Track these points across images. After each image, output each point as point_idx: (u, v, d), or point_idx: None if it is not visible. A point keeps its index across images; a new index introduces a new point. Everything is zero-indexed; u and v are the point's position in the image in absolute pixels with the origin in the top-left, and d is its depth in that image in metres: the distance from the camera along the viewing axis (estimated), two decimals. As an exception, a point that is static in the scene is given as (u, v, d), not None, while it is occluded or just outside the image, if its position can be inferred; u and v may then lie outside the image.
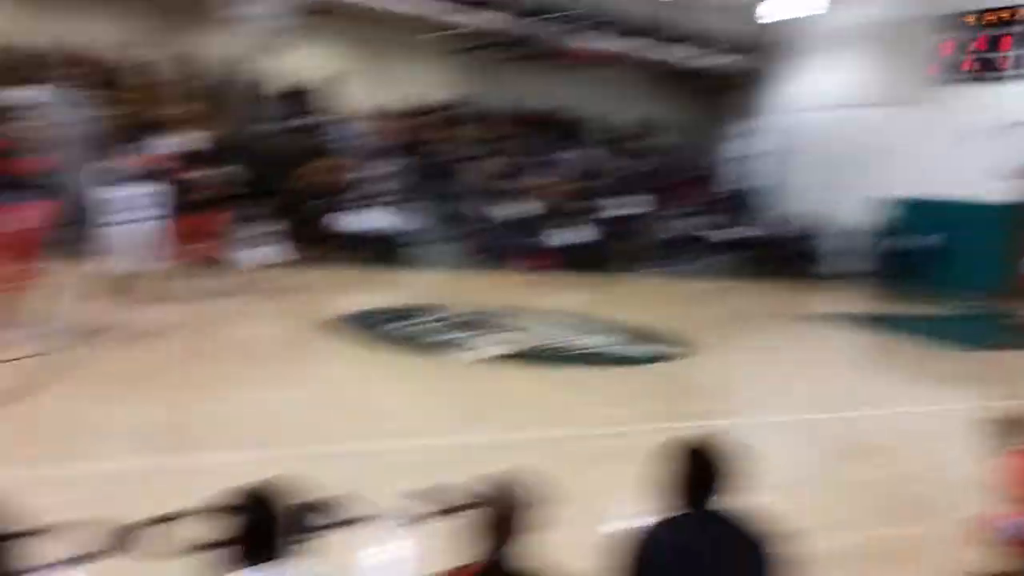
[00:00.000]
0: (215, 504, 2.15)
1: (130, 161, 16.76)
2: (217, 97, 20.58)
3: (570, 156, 24.30)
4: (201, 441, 5.92)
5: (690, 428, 2.82)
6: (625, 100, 26.34)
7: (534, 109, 25.68)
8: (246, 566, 2.08)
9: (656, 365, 9.86)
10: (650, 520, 2.66)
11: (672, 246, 22.11)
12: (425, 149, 21.97)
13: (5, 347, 7.52)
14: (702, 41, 25.05)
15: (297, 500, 2.22)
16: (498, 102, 25.16)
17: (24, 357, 7.39)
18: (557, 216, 20.91)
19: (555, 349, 10.25)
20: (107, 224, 9.09)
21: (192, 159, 17.96)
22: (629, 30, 24.25)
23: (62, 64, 20.17)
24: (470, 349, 9.75)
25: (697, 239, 22.57)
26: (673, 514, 2.70)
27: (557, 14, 23.05)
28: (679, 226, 22.68)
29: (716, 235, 22.77)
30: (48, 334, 7.97)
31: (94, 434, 5.86)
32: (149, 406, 6.56)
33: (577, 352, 10.21)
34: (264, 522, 2.10)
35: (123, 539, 4.07)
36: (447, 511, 4.72)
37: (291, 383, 7.86)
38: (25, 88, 18.50)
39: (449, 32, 23.47)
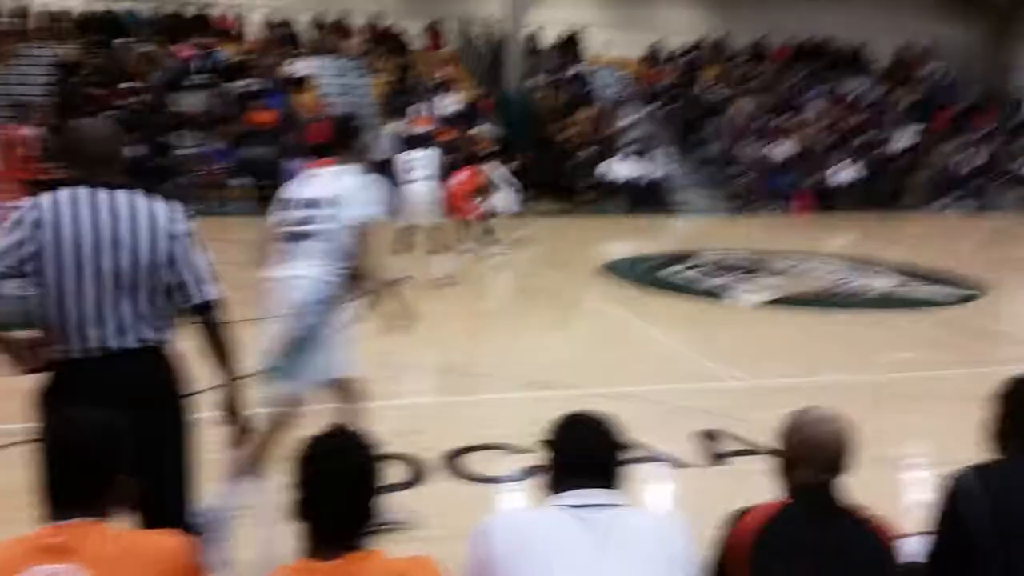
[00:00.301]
0: (547, 430, 2.28)
1: (409, 123, 17.92)
2: (482, 56, 21.37)
3: (838, 89, 22.89)
4: (491, 380, 6.31)
5: (993, 374, 2.61)
6: (900, 25, 24.21)
7: (796, 41, 24.37)
8: (574, 489, 2.16)
9: (946, 308, 9.18)
10: (968, 466, 2.50)
11: (959, 180, 20.31)
12: (681, 93, 21.57)
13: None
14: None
15: (614, 431, 2.30)
16: (755, 37, 24.13)
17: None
18: (824, 153, 19.86)
19: (832, 292, 9.84)
20: (395, 183, 9.77)
21: (463, 118, 18.87)
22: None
23: (341, 33, 21.79)
24: (742, 293, 9.61)
25: (989, 172, 20.56)
26: (996, 459, 2.53)
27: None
28: (967, 158, 20.75)
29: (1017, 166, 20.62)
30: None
31: (398, 372, 6.42)
32: (444, 348, 7.09)
33: (856, 295, 9.74)
34: (600, 447, 2.22)
35: (443, 465, 4.49)
36: (741, 452, 4.76)
37: (569, 327, 8.17)
38: (312, 58, 20.24)
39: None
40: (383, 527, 2.00)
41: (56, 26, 20.34)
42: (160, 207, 2.62)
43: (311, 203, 3.67)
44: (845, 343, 7.67)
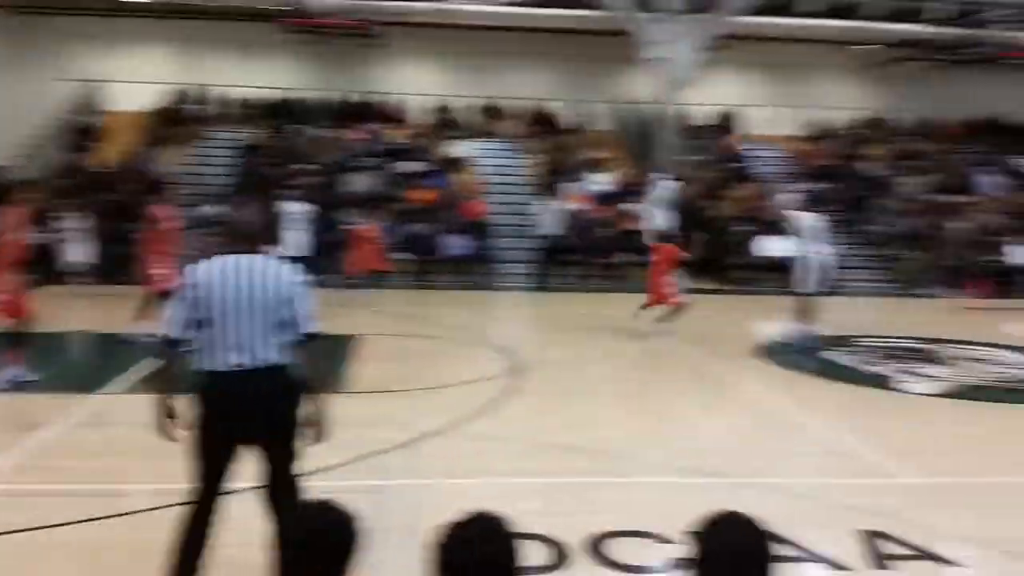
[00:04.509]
0: (695, 526, 2.19)
1: (563, 201, 18.24)
2: (636, 135, 21.58)
3: (1014, 167, 21.67)
4: (641, 464, 6.17)
5: None
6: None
7: (966, 118, 23.37)
8: None
9: None
10: None
11: None
12: (844, 171, 20.97)
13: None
14: None
15: (768, 532, 2.19)
16: (917, 114, 23.36)
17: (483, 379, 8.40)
18: (999, 234, 18.70)
19: (1007, 384, 9.14)
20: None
21: (617, 196, 19.01)
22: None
23: (499, 117, 22.57)
24: (909, 382, 9.07)
25: None
26: None
27: (992, 13, 20.70)
28: None
29: None
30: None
31: (547, 449, 6.40)
32: (593, 427, 7.01)
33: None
34: (749, 549, 2.12)
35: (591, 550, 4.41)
36: (909, 556, 4.44)
37: (723, 412, 7.91)
38: (465, 141, 21.03)
39: (869, 47, 22.31)
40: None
41: (238, 112, 22.09)
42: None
43: None
44: (1020, 439, 7.08)
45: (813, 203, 12.18)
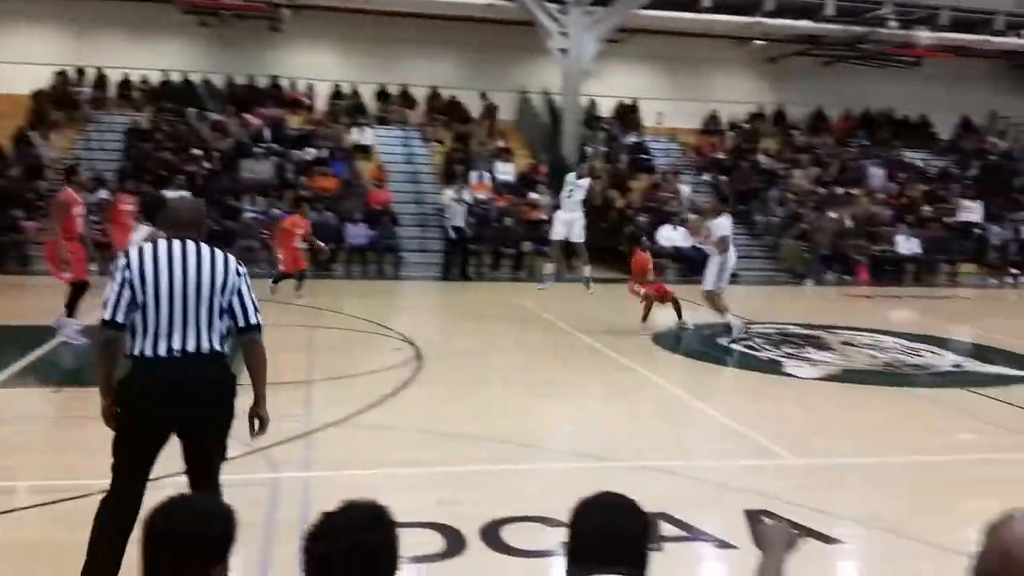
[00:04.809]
0: (573, 508, 2.21)
1: (470, 189, 18.20)
2: (540, 125, 21.69)
3: (900, 159, 22.66)
4: (537, 450, 6.23)
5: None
6: (958, 98, 23.97)
7: (856, 112, 24.32)
8: (601, 571, 2.08)
9: (1011, 387, 8.79)
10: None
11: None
12: (738, 163, 21.55)
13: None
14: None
15: (643, 512, 2.22)
16: (809, 107, 24.20)
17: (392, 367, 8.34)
18: (885, 225, 19.56)
19: (891, 369, 9.56)
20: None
21: (522, 186, 19.08)
22: (965, 21, 22.10)
23: (404, 104, 22.36)
24: (796, 367, 9.40)
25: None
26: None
27: (883, 12, 21.57)
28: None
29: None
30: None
31: (443, 438, 6.39)
32: (490, 416, 7.03)
33: (916, 372, 9.46)
34: (622, 529, 2.14)
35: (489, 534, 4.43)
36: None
37: (619, 398, 8.06)
38: (369, 128, 20.76)
39: (763, 42, 22.95)
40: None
41: (132, 95, 21.23)
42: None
43: None
44: (904, 422, 7.43)
45: (722, 202, 12.16)
